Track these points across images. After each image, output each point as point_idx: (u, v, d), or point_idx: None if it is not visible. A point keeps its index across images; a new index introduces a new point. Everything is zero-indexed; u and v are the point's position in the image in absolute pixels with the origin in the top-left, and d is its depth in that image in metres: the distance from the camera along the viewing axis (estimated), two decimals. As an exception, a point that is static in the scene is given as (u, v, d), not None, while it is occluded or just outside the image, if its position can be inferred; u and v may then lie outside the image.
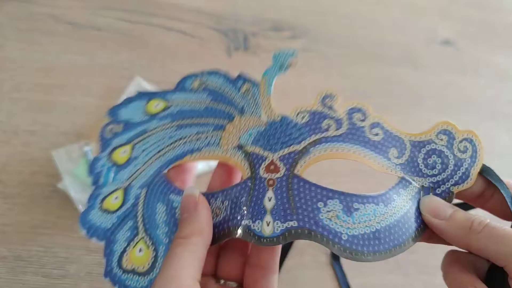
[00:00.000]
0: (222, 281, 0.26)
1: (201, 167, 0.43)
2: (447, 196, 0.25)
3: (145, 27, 0.51)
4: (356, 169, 0.49)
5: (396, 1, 0.65)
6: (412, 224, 0.24)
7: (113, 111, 0.28)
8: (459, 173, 0.25)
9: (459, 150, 0.25)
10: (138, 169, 0.27)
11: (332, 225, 0.22)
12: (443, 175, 0.25)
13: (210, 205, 0.25)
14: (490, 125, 0.58)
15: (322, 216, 0.23)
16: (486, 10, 0.69)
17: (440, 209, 0.24)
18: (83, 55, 0.47)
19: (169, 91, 0.28)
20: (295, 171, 0.24)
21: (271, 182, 0.24)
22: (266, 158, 0.24)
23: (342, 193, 0.23)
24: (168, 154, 0.27)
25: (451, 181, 0.25)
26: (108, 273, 0.25)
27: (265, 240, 0.22)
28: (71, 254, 0.38)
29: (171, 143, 0.27)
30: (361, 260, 0.22)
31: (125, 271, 0.25)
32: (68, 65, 0.46)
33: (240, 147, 0.26)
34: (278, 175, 0.24)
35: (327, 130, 0.25)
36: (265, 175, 0.24)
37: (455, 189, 0.25)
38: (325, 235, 0.22)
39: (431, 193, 0.25)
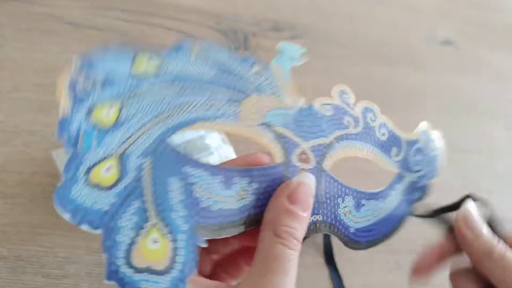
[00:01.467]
0: None
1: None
2: (425, 189, 0.30)
3: (145, 27, 0.51)
4: (359, 169, 0.49)
5: (396, 1, 0.65)
6: (399, 214, 0.28)
7: (89, 61, 0.21)
8: (431, 169, 0.30)
9: (431, 149, 0.30)
10: (132, 134, 0.20)
11: (345, 219, 0.25)
12: (423, 171, 0.29)
13: (233, 183, 0.21)
14: (490, 125, 0.58)
15: (340, 211, 0.25)
16: (486, 10, 0.69)
17: (478, 223, 0.25)
18: (83, 55, 0.47)
19: (163, 50, 0.21)
20: (323, 165, 0.24)
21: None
22: (298, 146, 0.23)
23: (356, 190, 0.25)
24: (171, 119, 0.21)
25: (428, 176, 0.30)
26: (112, 274, 0.18)
27: None
28: (71, 254, 0.38)
29: (176, 107, 0.21)
30: (356, 249, 0.26)
31: (137, 270, 0.18)
32: (68, 65, 0.46)
33: (267, 125, 0.23)
34: (309, 166, 0.23)
35: (347, 127, 0.25)
36: (298, 164, 0.23)
37: (429, 182, 0.30)
38: (340, 229, 0.24)
39: (471, 202, 0.26)
